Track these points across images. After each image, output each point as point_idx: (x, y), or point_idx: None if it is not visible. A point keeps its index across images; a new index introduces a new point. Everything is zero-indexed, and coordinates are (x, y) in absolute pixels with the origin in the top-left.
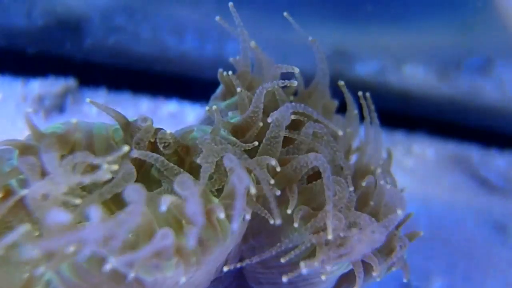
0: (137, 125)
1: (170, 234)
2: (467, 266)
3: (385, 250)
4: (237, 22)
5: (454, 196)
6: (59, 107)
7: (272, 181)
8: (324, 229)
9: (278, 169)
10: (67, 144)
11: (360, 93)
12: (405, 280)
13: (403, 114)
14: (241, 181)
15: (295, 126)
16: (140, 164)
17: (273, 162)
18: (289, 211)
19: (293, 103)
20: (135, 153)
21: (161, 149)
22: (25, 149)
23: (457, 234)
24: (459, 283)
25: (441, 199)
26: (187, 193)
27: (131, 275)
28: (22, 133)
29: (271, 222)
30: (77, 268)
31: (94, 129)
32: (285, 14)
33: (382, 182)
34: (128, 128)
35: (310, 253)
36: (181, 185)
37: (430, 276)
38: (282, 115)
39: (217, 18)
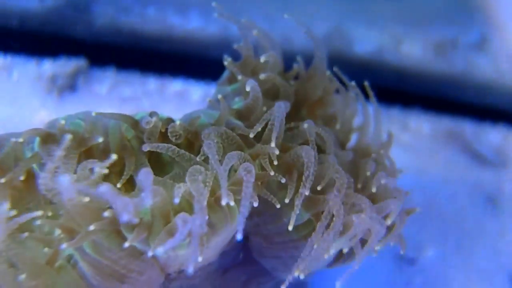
0: (143, 126)
1: (187, 219)
2: (458, 237)
3: None
4: (233, 21)
5: (448, 170)
6: (71, 87)
7: (272, 173)
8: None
9: (276, 162)
10: (85, 146)
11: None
12: (401, 253)
13: (399, 90)
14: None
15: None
16: None
17: (276, 151)
18: (286, 200)
19: (284, 103)
20: (147, 147)
21: (173, 140)
22: (47, 137)
23: (450, 207)
24: (450, 252)
25: (435, 173)
26: (196, 204)
27: (149, 254)
28: (37, 112)
29: (277, 206)
30: (97, 244)
31: (109, 129)
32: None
33: (383, 182)
34: (137, 126)
35: (311, 231)
36: (192, 183)
37: (423, 246)
38: (279, 111)
39: (216, 14)
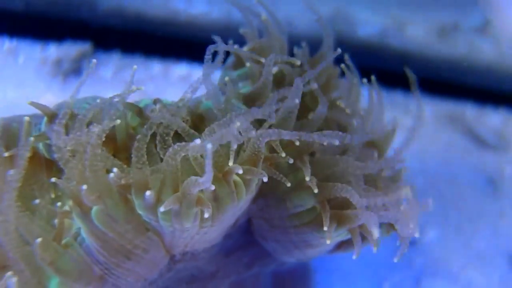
0: (148, 114)
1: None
2: (459, 218)
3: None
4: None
5: (449, 153)
6: (76, 70)
7: (284, 154)
8: (329, 199)
9: (297, 143)
10: None
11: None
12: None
13: (402, 73)
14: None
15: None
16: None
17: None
18: (307, 179)
19: (300, 79)
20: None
21: None
22: (54, 117)
23: (450, 189)
24: (451, 233)
25: (437, 155)
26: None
27: (160, 211)
28: (43, 96)
29: (288, 185)
30: (105, 216)
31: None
32: None
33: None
34: (142, 113)
35: (314, 219)
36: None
37: (424, 228)
38: (296, 92)
39: None
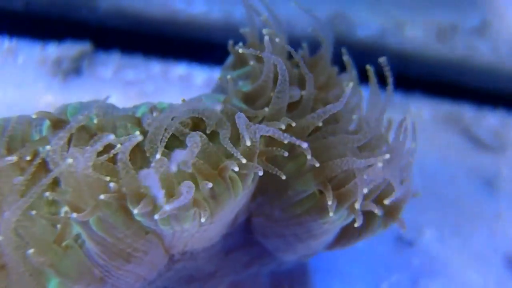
0: (144, 127)
1: (192, 186)
2: (456, 219)
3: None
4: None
5: (447, 153)
6: (76, 70)
7: (286, 137)
8: (330, 179)
9: (294, 124)
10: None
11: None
12: (403, 231)
13: (401, 75)
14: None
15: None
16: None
17: (283, 126)
18: (309, 157)
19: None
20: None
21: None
22: (57, 123)
23: (448, 189)
24: (448, 234)
25: (435, 156)
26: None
27: (156, 217)
28: (43, 96)
29: (283, 177)
30: (103, 222)
31: (118, 128)
32: None
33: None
34: (140, 123)
35: (315, 204)
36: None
37: (422, 228)
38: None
39: None
